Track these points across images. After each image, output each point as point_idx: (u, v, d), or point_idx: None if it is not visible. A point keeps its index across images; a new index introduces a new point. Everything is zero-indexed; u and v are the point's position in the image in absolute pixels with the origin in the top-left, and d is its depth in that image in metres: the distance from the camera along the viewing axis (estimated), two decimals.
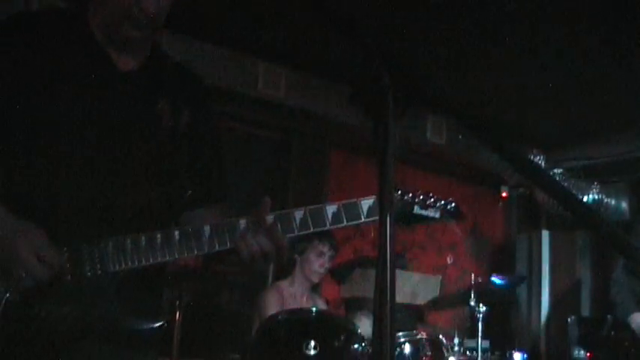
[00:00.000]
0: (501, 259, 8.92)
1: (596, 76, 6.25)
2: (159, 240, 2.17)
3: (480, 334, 5.21)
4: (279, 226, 2.21)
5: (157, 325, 2.33)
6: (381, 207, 1.52)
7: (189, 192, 2.41)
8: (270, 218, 2.21)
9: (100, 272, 2.13)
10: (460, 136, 7.57)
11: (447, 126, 7.56)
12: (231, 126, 6.55)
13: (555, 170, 7.93)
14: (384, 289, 1.45)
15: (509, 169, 7.98)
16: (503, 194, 8.57)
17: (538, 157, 7.85)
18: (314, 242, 5.34)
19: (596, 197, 8.03)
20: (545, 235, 9.01)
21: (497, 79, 6.43)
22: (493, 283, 5.54)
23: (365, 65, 1.55)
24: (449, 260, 8.18)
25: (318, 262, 5.38)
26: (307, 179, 6.93)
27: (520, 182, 8.40)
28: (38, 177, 2.17)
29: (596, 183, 7.94)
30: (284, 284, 5.50)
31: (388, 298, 1.44)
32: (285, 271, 5.73)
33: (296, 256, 5.51)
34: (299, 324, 4.09)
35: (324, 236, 5.32)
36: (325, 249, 5.36)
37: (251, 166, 6.71)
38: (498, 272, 8.63)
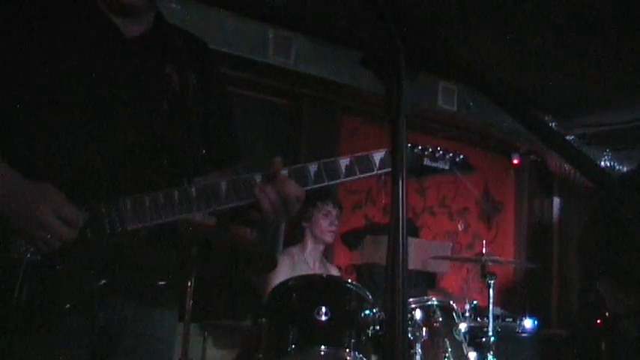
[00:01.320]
0: (512, 226, 8.92)
1: (609, 42, 6.19)
2: (177, 197, 2.19)
3: (491, 300, 5.22)
4: (294, 179, 2.24)
5: (176, 282, 2.37)
6: (394, 170, 1.51)
7: (203, 151, 2.43)
8: (284, 172, 2.24)
9: (119, 230, 2.15)
10: (471, 103, 7.54)
11: (458, 92, 7.52)
12: (242, 93, 6.54)
13: (567, 137, 7.89)
14: (397, 250, 1.45)
15: (521, 136, 7.95)
16: (515, 161, 8.55)
17: (550, 124, 7.82)
18: (318, 205, 5.45)
19: (608, 164, 8.01)
20: (556, 202, 9.00)
21: (509, 44, 6.38)
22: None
23: (376, 27, 1.54)
24: (460, 227, 8.19)
25: (326, 221, 5.50)
26: (318, 145, 6.93)
27: (532, 149, 8.37)
28: (51, 140, 2.18)
29: (607, 150, 7.91)
30: (295, 250, 5.55)
31: (401, 260, 1.44)
32: (295, 239, 5.78)
33: (304, 223, 5.55)
34: (310, 290, 4.09)
35: (326, 196, 5.44)
36: (330, 207, 5.48)
37: (262, 133, 6.71)
38: (509, 240, 8.68)
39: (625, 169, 8.03)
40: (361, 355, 3.84)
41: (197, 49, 2.55)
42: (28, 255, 2.07)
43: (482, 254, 5.43)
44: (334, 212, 5.52)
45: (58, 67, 2.20)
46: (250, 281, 5.28)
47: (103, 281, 2.15)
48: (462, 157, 2.60)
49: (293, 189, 2.23)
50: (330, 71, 6.64)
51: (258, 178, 2.24)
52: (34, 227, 2.05)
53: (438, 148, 2.55)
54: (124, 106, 2.25)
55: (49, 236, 2.06)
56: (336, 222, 5.55)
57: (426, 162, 2.53)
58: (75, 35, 2.26)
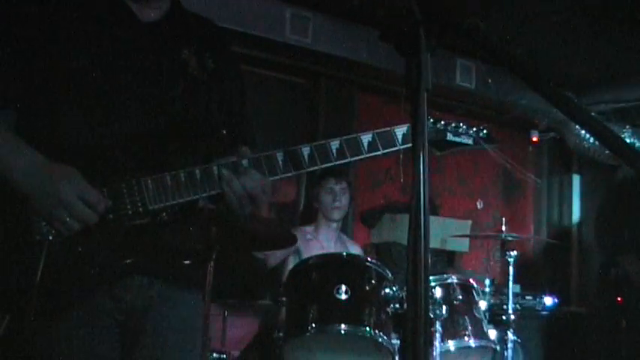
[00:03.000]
0: (532, 203, 8.88)
1: (628, 17, 6.12)
2: (198, 175, 2.19)
3: (510, 277, 5.21)
4: (317, 157, 2.24)
5: (199, 261, 2.37)
6: (414, 144, 1.50)
7: (224, 132, 2.43)
8: (245, 162, 2.25)
9: (141, 209, 2.16)
10: (490, 80, 7.48)
11: (476, 70, 7.47)
12: (260, 72, 6.53)
13: None
14: (419, 226, 1.44)
15: (539, 113, 7.89)
16: (534, 139, 8.48)
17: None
18: (321, 183, 5.48)
19: (628, 141, 7.93)
20: (576, 179, 8.94)
21: (527, 19, 6.32)
22: None
23: (394, 2, 1.53)
24: (479, 205, 8.16)
25: (330, 197, 5.51)
26: (336, 124, 6.90)
27: (551, 126, 8.31)
28: (70, 124, 2.20)
29: (627, 127, 7.83)
30: (308, 229, 5.56)
31: (423, 236, 1.43)
32: (310, 219, 5.79)
33: (315, 204, 5.57)
34: (330, 268, 4.09)
35: (328, 173, 5.41)
36: (332, 183, 5.45)
37: (280, 113, 6.70)
38: (528, 218, 8.64)
39: None
40: (381, 333, 3.84)
41: (213, 32, 2.57)
42: (50, 237, 2.08)
43: (502, 232, 5.42)
44: (337, 188, 5.51)
45: (76, 52, 2.22)
46: (258, 259, 5.29)
47: (126, 261, 2.16)
48: (485, 131, 2.58)
49: (255, 182, 2.23)
50: (347, 49, 6.61)
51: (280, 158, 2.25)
52: (56, 206, 2.06)
53: (461, 123, 2.54)
54: (141, 90, 2.27)
55: (68, 218, 2.07)
56: (342, 197, 5.53)
57: (449, 137, 2.52)
58: (92, 20, 2.28)
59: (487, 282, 5.28)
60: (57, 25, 2.23)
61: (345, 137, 2.30)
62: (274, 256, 5.27)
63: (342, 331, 3.83)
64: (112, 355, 2.27)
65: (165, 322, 2.34)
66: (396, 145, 2.34)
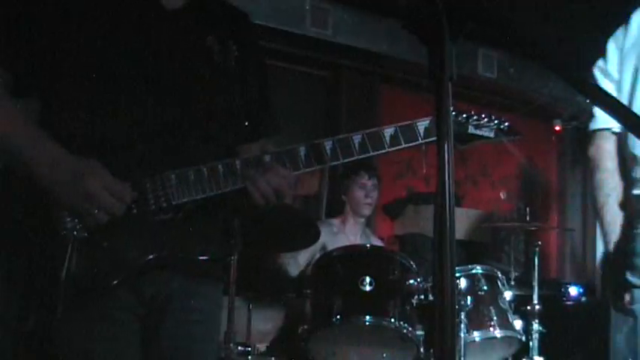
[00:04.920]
0: (555, 193, 8.82)
1: None
2: (221, 170, 2.19)
3: (535, 267, 5.19)
4: (339, 151, 2.23)
5: (221, 255, 2.37)
6: (439, 136, 1.49)
7: (246, 123, 2.42)
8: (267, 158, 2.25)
9: (164, 204, 2.16)
10: (511, 69, 7.45)
11: (497, 59, 7.44)
12: (281, 65, 6.52)
13: None
14: (444, 218, 1.42)
15: (562, 102, 7.84)
16: (557, 128, 8.43)
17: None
18: (352, 177, 5.44)
19: None
20: None
21: (552, 4, 6.26)
22: None
23: None
24: (502, 196, 8.12)
25: (362, 193, 5.47)
26: (358, 116, 6.90)
27: (574, 115, 8.25)
28: (92, 115, 2.20)
29: None
30: (335, 221, 5.55)
31: (449, 227, 1.42)
32: (336, 212, 5.78)
33: (343, 197, 5.55)
34: (354, 260, 4.09)
35: (362, 167, 5.40)
36: (365, 179, 5.43)
37: (302, 106, 6.70)
38: (552, 207, 8.59)
39: None
40: (406, 325, 3.83)
41: (238, 20, 2.55)
42: (75, 232, 2.09)
43: (526, 222, 5.39)
44: (370, 183, 5.49)
45: (99, 42, 2.21)
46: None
47: (150, 256, 2.16)
48: (507, 123, 2.56)
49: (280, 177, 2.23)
50: (368, 41, 6.60)
51: (302, 150, 2.25)
52: (83, 200, 2.06)
53: (483, 115, 2.52)
54: (165, 79, 2.26)
55: (96, 210, 2.07)
56: (373, 194, 5.51)
57: (471, 130, 2.50)
58: (116, 8, 2.27)
59: (512, 272, 5.27)
60: (81, 14, 2.22)
61: (367, 131, 2.29)
62: (296, 263, 5.27)
63: (367, 323, 3.83)
64: (133, 350, 2.27)
65: (185, 315, 2.34)
66: (418, 139, 2.32)
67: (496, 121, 2.54)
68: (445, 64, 1.47)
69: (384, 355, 4.01)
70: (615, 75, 3.27)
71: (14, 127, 2.16)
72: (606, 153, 3.28)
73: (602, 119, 3.26)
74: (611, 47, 3.34)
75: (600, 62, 3.35)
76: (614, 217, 3.18)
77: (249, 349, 4.28)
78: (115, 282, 2.13)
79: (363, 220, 5.60)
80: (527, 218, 5.39)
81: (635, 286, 3.10)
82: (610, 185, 3.23)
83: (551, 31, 6.61)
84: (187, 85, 2.29)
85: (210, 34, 2.38)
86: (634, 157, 3.10)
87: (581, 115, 8.10)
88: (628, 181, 3.16)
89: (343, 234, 5.45)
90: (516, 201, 8.23)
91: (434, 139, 2.23)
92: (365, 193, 5.45)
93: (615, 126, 3.24)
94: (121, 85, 2.22)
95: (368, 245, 4.63)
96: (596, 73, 3.34)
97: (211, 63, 2.35)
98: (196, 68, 2.33)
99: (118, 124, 2.19)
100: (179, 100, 2.27)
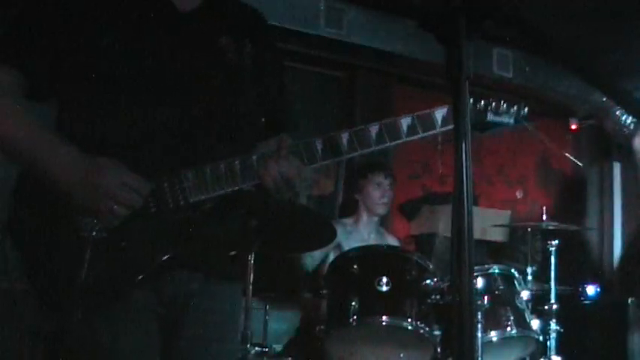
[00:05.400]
0: (572, 192, 8.78)
1: None
2: (238, 166, 2.19)
3: (552, 267, 5.17)
4: (356, 143, 2.23)
5: (240, 254, 2.37)
6: (456, 134, 1.48)
7: (263, 120, 2.43)
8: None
9: (182, 203, 2.16)
10: (527, 68, 7.42)
11: (513, 58, 7.41)
12: (295, 66, 6.52)
13: None
14: (462, 217, 1.42)
15: (578, 100, 7.80)
16: (573, 126, 8.39)
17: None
18: (369, 176, 5.43)
19: None
20: (616, 167, 8.82)
21: (568, 3, 6.23)
22: None
23: None
24: (518, 195, 8.09)
25: (377, 193, 5.46)
26: (374, 116, 6.85)
27: (590, 114, 8.21)
28: (109, 116, 2.21)
29: None
30: (348, 221, 5.55)
31: (467, 226, 1.41)
32: (349, 211, 5.77)
33: (356, 195, 5.54)
34: (371, 260, 4.09)
35: (377, 167, 5.41)
36: (381, 178, 5.43)
37: (317, 106, 6.70)
38: (569, 207, 8.55)
39: None
40: (423, 325, 3.83)
41: (254, 19, 2.56)
42: (94, 233, 2.09)
43: (542, 221, 5.37)
44: (386, 183, 5.48)
45: (114, 44, 2.22)
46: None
47: (168, 255, 2.16)
48: (526, 109, 2.54)
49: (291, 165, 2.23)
50: (383, 41, 6.58)
51: (319, 144, 2.25)
52: (100, 197, 2.07)
53: (502, 102, 2.50)
54: (179, 80, 2.27)
55: (115, 206, 2.08)
56: (389, 193, 5.51)
57: (490, 117, 2.48)
58: (130, 11, 2.28)
59: (528, 272, 5.24)
60: (96, 17, 2.24)
61: (384, 121, 2.28)
62: (312, 259, 5.27)
63: (384, 323, 3.83)
64: (152, 349, 2.28)
65: (204, 314, 2.35)
66: (435, 128, 2.32)
67: (515, 107, 2.52)
68: (462, 64, 1.47)
69: (401, 355, 4.01)
70: None
71: (30, 131, 2.17)
72: None
73: None
74: None
75: None
76: None
77: (266, 349, 4.28)
78: (135, 282, 2.14)
79: (376, 219, 5.59)
80: (544, 217, 5.35)
81: None
82: None
83: (568, 29, 6.60)
84: (201, 87, 2.30)
85: (225, 35, 2.39)
86: None
87: (596, 113, 8.07)
88: None
89: (357, 233, 5.45)
90: (532, 200, 8.19)
91: (451, 127, 2.22)
92: (381, 193, 5.45)
93: None
94: (135, 87, 2.23)
95: (384, 245, 4.62)
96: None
97: (224, 63, 2.36)
98: (210, 69, 2.34)
99: (133, 125, 2.21)
100: (193, 101, 2.27)
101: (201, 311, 2.33)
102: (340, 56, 6.73)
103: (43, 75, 2.23)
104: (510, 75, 7.37)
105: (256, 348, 4.14)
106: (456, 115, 1.48)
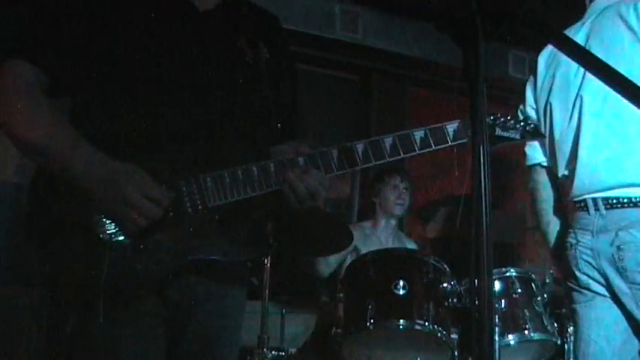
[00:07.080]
0: None
1: None
2: (255, 172, 2.20)
3: None
4: (371, 154, 2.24)
5: (253, 258, 2.37)
6: (474, 136, 1.48)
7: (278, 124, 2.43)
8: (301, 160, 2.26)
9: (200, 208, 2.17)
10: None
11: (529, 60, 7.38)
12: (311, 70, 6.53)
13: None
14: (481, 219, 1.41)
15: None
16: None
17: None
18: (385, 180, 5.49)
19: None
20: None
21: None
22: None
23: None
24: None
25: (394, 194, 5.52)
26: (389, 119, 6.89)
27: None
28: (127, 117, 2.21)
29: None
30: (366, 224, 5.56)
31: (485, 229, 1.41)
32: (367, 215, 5.78)
33: (374, 199, 5.56)
34: (388, 263, 4.07)
35: (394, 170, 5.45)
36: (397, 181, 5.50)
37: (332, 110, 6.70)
38: None
39: None
40: (440, 328, 3.81)
41: (268, 22, 2.57)
42: (113, 236, 2.10)
43: None
44: (402, 186, 5.54)
45: (133, 43, 2.23)
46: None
47: (187, 259, 2.17)
48: (532, 125, 2.57)
49: (316, 180, 2.24)
50: (398, 44, 6.59)
51: (334, 152, 2.26)
52: (123, 207, 2.07)
53: (509, 117, 2.54)
54: (198, 80, 2.28)
55: (136, 215, 2.08)
56: (405, 195, 5.56)
57: (498, 132, 2.51)
58: (149, 10, 2.29)
59: (546, 274, 5.21)
60: (115, 15, 2.25)
61: (397, 134, 2.30)
62: (328, 265, 5.27)
63: (401, 327, 3.81)
64: (158, 353, 2.29)
65: (209, 319, 2.36)
66: (447, 142, 2.34)
67: (522, 123, 2.55)
68: (479, 65, 1.46)
69: (418, 359, 3.99)
70: (534, 115, 3.62)
71: (52, 130, 2.18)
72: (540, 185, 3.75)
73: (532, 156, 3.73)
74: (527, 91, 3.79)
75: (521, 106, 3.73)
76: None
77: (283, 353, 4.28)
78: (152, 287, 2.14)
79: (394, 221, 5.61)
80: None
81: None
82: (549, 214, 3.74)
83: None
84: (220, 86, 2.31)
85: (242, 35, 2.40)
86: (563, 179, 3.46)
87: None
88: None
89: (375, 236, 5.46)
90: None
91: (463, 141, 2.30)
92: (397, 195, 5.50)
93: (543, 160, 3.67)
94: (154, 86, 2.23)
95: (401, 249, 4.61)
96: (518, 114, 3.65)
97: (243, 64, 2.37)
98: (229, 69, 2.35)
99: (151, 125, 2.21)
100: (212, 101, 2.28)
101: (206, 315, 2.34)
102: (355, 59, 6.74)
103: (63, 73, 2.24)
104: (526, 77, 7.34)
105: (273, 352, 4.13)
106: (472, 116, 1.48)
